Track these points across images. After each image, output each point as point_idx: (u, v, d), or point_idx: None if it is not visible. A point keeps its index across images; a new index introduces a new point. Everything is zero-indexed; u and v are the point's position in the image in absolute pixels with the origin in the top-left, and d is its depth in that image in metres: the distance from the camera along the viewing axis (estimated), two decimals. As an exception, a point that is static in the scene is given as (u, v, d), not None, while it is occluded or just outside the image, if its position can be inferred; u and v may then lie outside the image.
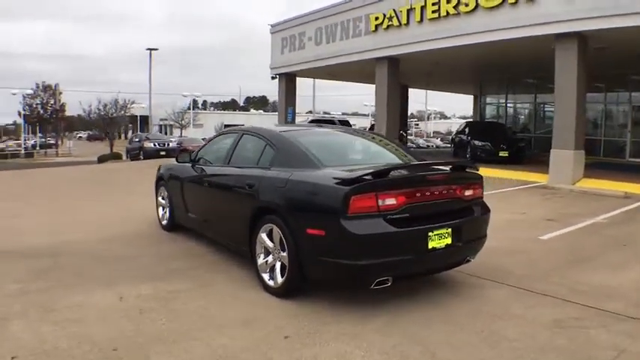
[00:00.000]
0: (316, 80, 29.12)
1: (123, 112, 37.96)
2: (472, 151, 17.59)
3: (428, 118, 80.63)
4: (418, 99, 75.37)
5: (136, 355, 3.40)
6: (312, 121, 28.85)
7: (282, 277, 4.39)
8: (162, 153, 26.84)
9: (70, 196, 11.88)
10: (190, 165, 6.39)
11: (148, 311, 4.20)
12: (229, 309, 4.23)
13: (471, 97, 29.27)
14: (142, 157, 27.66)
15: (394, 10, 16.28)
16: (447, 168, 4.57)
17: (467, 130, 19.66)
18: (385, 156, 5.23)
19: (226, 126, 54.78)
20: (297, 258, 4.20)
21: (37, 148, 53.06)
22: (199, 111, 66.80)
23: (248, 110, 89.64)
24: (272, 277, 4.52)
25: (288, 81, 24.18)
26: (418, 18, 15.41)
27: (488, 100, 27.48)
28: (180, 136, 44.06)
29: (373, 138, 5.87)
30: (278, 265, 4.46)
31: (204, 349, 3.49)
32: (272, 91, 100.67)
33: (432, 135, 68.31)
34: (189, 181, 6.34)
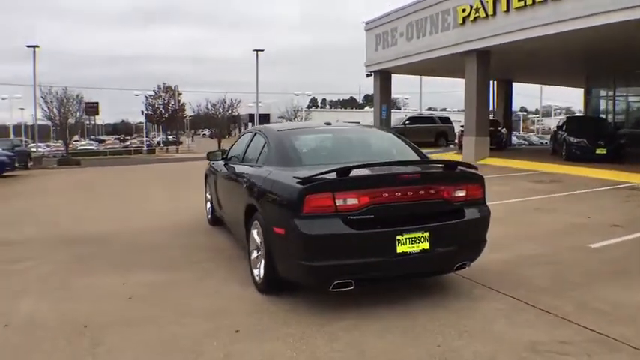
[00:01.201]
0: (432, 77, 28.33)
1: (230, 111, 40.37)
2: (567, 149, 15.90)
3: (546, 114, 74.30)
4: (534, 94, 69.59)
5: (98, 333, 3.70)
6: (408, 119, 28.30)
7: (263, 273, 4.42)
8: None
9: (156, 188, 13.05)
10: (222, 162, 6.65)
11: (136, 297, 4.51)
12: (206, 300, 4.37)
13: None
14: None
15: (480, 0, 15.31)
16: (431, 168, 4.22)
17: (565, 125, 17.81)
18: (382, 154, 4.98)
19: (343, 124, 55.71)
20: (268, 256, 4.20)
21: (161, 145, 58.49)
22: (312, 109, 68.47)
23: (363, 108, 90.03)
24: (258, 274, 4.57)
25: (382, 78, 23.96)
26: (504, 8, 14.35)
27: (597, 93, 24.57)
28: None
29: (381, 136, 5.62)
30: (262, 262, 4.50)
31: (154, 334, 3.68)
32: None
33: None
34: (219, 177, 6.63)
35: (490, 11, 14.95)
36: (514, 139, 31.46)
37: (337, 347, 3.42)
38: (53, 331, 3.76)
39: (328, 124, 5.90)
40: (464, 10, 16.18)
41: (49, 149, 48.49)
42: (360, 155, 4.85)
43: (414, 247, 3.85)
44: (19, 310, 4.21)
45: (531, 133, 56.23)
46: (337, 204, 3.73)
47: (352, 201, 3.75)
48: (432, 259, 4.01)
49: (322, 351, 3.37)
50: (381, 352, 3.33)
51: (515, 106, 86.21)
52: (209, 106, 41.42)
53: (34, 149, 32.13)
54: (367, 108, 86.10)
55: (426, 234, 3.89)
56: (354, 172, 3.87)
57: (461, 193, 4.15)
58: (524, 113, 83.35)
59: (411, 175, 4.02)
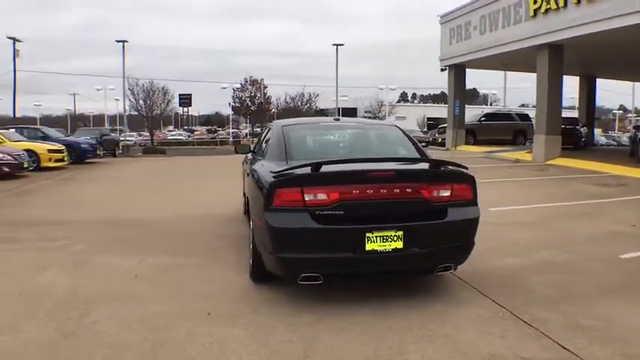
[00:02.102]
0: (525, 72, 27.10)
1: (308, 105, 41.00)
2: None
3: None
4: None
5: (92, 306, 4.10)
6: (484, 116, 27.15)
7: None
8: None
9: (217, 178, 13.66)
10: (251, 155, 6.90)
11: (142, 277, 4.89)
12: (201, 285, 4.63)
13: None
14: None
15: (551, -9, 14.35)
16: (412, 165, 4.11)
17: (643, 125, 16.17)
18: (378, 151, 4.93)
19: (429, 119, 55.02)
20: (254, 246, 4.37)
21: (248, 136, 60.60)
22: (398, 104, 67.60)
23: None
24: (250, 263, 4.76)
25: (456, 73, 23.30)
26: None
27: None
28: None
29: (384, 133, 5.53)
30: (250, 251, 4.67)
31: (138, 311, 3.99)
32: (481, 82, 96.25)
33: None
34: (244, 170, 6.89)
35: (561, 3, 13.95)
36: (602, 139, 28.99)
37: (292, 338, 3.50)
38: (56, 301, 4.20)
39: (337, 119, 5.94)
40: (535, 2, 15.23)
41: (140, 138, 52.22)
42: (355, 151, 4.86)
43: (385, 245, 3.82)
44: (37, 282, 4.73)
45: (626, 133, 51.58)
46: (306, 198, 3.79)
47: (321, 196, 3.80)
48: (407, 259, 3.95)
49: (276, 340, 3.47)
50: (329, 348, 3.36)
51: (614, 104, 79.30)
52: (288, 100, 42.34)
53: (125, 138, 34.76)
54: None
55: (400, 233, 3.84)
56: (327, 168, 3.90)
57: (445, 193, 4.03)
58: (621, 112, 76.37)
59: (385, 172, 3.97)
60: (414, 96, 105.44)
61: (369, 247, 3.80)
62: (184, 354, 3.28)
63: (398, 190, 3.89)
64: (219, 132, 65.40)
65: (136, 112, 36.36)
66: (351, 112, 63.34)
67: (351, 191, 3.83)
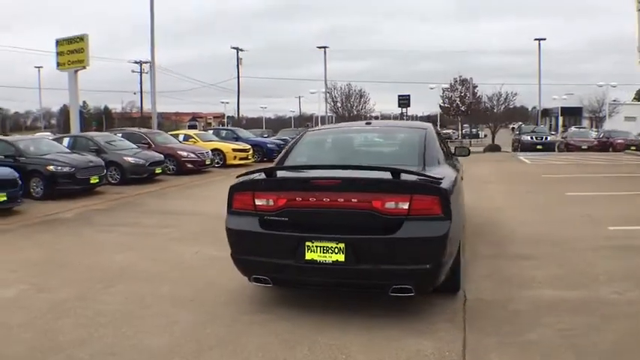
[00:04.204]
0: None
1: (505, 104, 38.03)
2: None
3: None
4: None
5: (124, 281, 5.07)
6: None
7: None
8: (539, 147, 26.06)
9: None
10: None
11: (181, 264, 5.64)
12: (216, 277, 5.10)
13: None
14: (519, 149, 27.62)
15: None
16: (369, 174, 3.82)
17: None
18: (375, 158, 4.66)
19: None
20: None
21: (458, 137, 58.75)
22: (632, 102, 57.95)
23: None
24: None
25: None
26: None
27: None
28: (597, 129, 40.48)
29: (398, 139, 5.14)
30: None
31: (147, 290, 4.76)
32: None
33: None
34: None
35: None
36: None
37: (220, 333, 3.78)
38: (111, 276, 5.25)
39: (368, 123, 5.76)
40: None
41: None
42: (351, 157, 4.73)
43: (325, 256, 3.73)
44: (114, 260, 5.91)
45: None
46: (257, 203, 3.96)
47: (269, 202, 3.91)
48: (351, 274, 3.76)
49: (207, 333, 3.80)
50: (248, 347, 3.54)
51: None
52: (485, 99, 39.97)
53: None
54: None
55: (341, 245, 3.69)
56: (283, 174, 3.98)
57: (403, 205, 3.68)
58: None
59: (329, 180, 3.82)
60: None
61: (308, 256, 3.77)
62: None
63: (342, 200, 3.73)
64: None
65: (334, 114, 39.13)
66: (574, 112, 56.11)
67: (294, 198, 3.85)
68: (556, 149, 26.91)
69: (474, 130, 51.69)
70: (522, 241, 6.28)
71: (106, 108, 75.32)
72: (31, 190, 10.39)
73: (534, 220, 7.52)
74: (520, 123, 50.47)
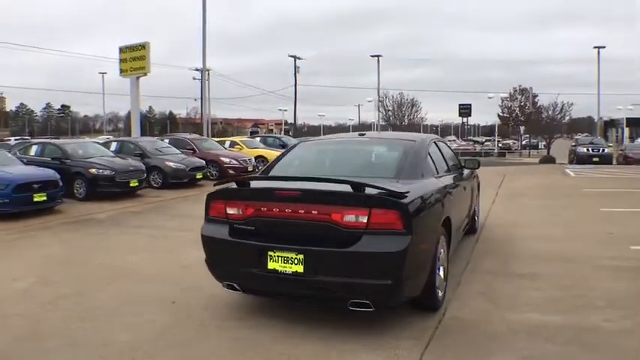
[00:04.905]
0: None
1: (561, 115, 36.30)
2: None
3: None
4: None
5: (127, 279, 5.35)
6: None
7: None
8: (595, 159, 24.74)
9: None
10: None
11: (187, 267, 5.86)
12: (207, 282, 5.11)
13: None
14: (574, 161, 26.34)
15: None
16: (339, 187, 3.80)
17: None
18: (355, 170, 4.63)
19: None
20: None
21: (518, 148, 56.58)
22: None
23: None
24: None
25: None
26: None
27: None
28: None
29: (381, 151, 5.09)
30: None
31: (141, 290, 5.03)
32: None
33: None
34: None
35: None
36: None
37: (186, 335, 3.94)
38: (114, 275, 5.59)
39: (362, 134, 5.76)
40: None
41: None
42: (331, 169, 4.79)
43: (285, 267, 3.78)
44: (126, 260, 6.27)
45: None
46: (228, 212, 4.09)
47: (236, 211, 4.04)
48: (310, 286, 3.77)
49: (173, 333, 3.98)
50: (204, 350, 3.68)
51: None
52: (542, 109, 38.40)
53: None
54: None
55: (300, 256, 3.73)
56: (256, 184, 4.09)
57: (362, 219, 3.66)
58: None
59: (290, 192, 3.86)
60: None
61: (270, 265, 3.84)
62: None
63: (302, 211, 3.78)
64: (485, 143, 63.17)
65: (384, 122, 38.95)
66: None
67: (260, 208, 3.94)
68: (614, 162, 25.31)
69: (533, 140, 49.55)
70: (532, 258, 6.01)
71: (170, 113, 79.11)
72: (75, 191, 11.17)
73: (554, 237, 7.16)
74: (585, 134, 47.97)
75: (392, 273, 3.65)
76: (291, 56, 44.04)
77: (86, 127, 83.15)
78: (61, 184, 9.60)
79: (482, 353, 3.60)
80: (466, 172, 6.44)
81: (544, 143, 41.59)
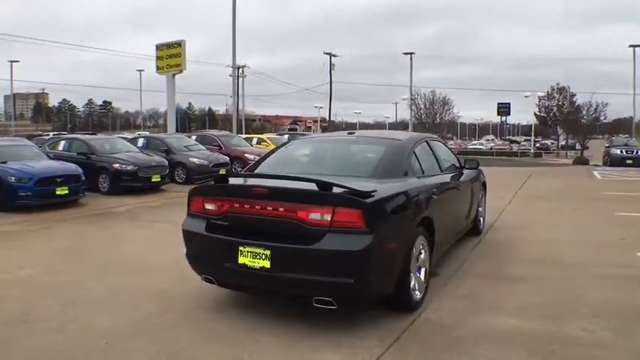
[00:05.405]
0: None
1: (594, 114, 34.80)
2: None
3: None
4: None
5: (108, 270, 5.56)
6: None
7: None
8: (629, 161, 23.78)
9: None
10: None
11: (183, 260, 5.96)
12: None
13: None
14: (608, 163, 25.42)
15: None
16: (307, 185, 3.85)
17: None
18: (339, 168, 4.69)
19: None
20: None
21: (556, 148, 54.71)
22: None
23: None
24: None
25: None
26: None
27: None
28: None
29: (367, 150, 5.11)
30: None
31: (133, 280, 5.23)
32: None
33: None
34: None
35: None
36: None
37: (163, 324, 4.12)
38: (114, 266, 5.87)
39: (351, 133, 5.85)
40: None
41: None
42: (312, 167, 4.89)
43: (254, 262, 3.89)
44: (130, 252, 6.56)
45: None
46: (206, 207, 4.25)
47: (213, 206, 4.20)
48: (276, 281, 3.87)
49: (153, 322, 4.16)
50: (173, 340, 3.84)
51: None
52: (580, 109, 36.93)
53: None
54: None
55: (267, 252, 3.84)
56: (235, 181, 4.23)
57: (326, 217, 3.71)
58: None
59: (259, 189, 4.00)
60: None
61: (241, 260, 3.96)
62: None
63: (270, 208, 3.88)
64: (522, 142, 61.62)
65: (417, 121, 38.48)
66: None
67: (233, 204, 4.07)
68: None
69: (571, 141, 47.76)
70: (529, 262, 5.89)
71: (209, 110, 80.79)
72: (99, 185, 11.68)
73: (560, 241, 6.97)
74: (626, 135, 45.80)
75: (354, 272, 3.70)
76: (327, 53, 44.16)
77: (127, 123, 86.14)
78: (83, 178, 10.05)
79: (440, 357, 3.58)
80: (466, 172, 6.36)
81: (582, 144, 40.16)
